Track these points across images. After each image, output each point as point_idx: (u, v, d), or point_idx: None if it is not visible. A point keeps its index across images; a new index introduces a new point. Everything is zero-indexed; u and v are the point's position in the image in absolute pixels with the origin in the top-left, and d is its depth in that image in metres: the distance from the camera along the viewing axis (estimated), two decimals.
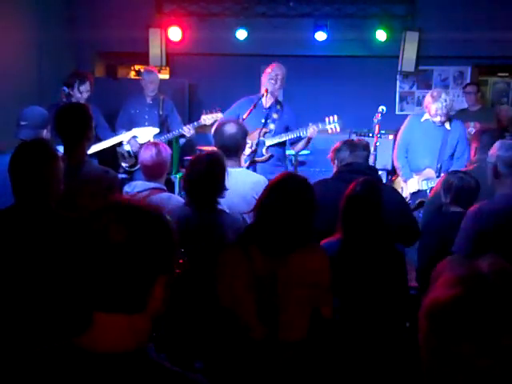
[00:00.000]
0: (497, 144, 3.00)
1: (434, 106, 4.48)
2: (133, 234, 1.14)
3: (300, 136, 4.67)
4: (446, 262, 1.08)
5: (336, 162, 3.46)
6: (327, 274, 2.38)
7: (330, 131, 4.69)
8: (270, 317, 2.28)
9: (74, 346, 1.14)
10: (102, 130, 5.22)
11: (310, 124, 4.58)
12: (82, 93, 4.92)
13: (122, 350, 1.13)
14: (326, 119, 4.66)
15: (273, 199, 2.38)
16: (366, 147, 3.49)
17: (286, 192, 2.36)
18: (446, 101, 4.45)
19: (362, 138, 6.14)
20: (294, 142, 4.81)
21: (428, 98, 4.55)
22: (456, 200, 3.28)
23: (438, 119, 4.55)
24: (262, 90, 4.74)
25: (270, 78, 4.75)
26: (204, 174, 2.82)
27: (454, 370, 0.94)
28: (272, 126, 4.70)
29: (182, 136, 5.52)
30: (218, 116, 5.17)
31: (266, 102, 4.74)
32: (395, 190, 3.80)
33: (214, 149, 3.53)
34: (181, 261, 1.27)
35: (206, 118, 5.19)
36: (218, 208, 2.89)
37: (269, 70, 4.80)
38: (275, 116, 4.72)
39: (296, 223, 2.33)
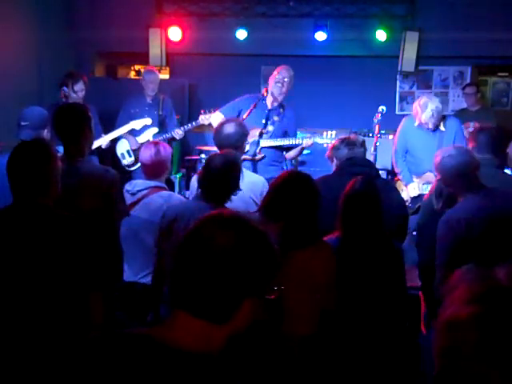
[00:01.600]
0: (442, 161, 2.96)
1: (422, 116, 4.48)
2: (238, 246, 1.16)
3: (295, 144, 4.65)
4: (460, 273, 1.06)
5: (335, 160, 3.48)
6: (332, 272, 2.40)
7: (324, 145, 4.64)
8: (276, 313, 2.29)
9: (150, 337, 1.15)
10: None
11: (308, 135, 4.61)
12: (76, 92, 4.92)
13: (194, 351, 1.13)
14: (324, 133, 4.69)
15: (278, 198, 2.40)
16: (363, 144, 3.55)
17: (291, 190, 2.38)
18: (432, 109, 4.43)
19: (362, 137, 6.18)
20: (288, 149, 4.78)
21: (416, 107, 4.54)
22: (448, 205, 3.26)
23: (430, 126, 4.54)
24: (269, 94, 4.73)
25: (277, 82, 4.71)
26: (224, 170, 2.90)
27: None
28: (271, 128, 4.68)
29: (173, 139, 5.53)
30: None
31: (270, 103, 4.73)
32: (392, 185, 3.83)
33: (214, 149, 3.55)
34: (276, 289, 1.28)
35: (204, 118, 5.22)
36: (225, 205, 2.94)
37: (275, 72, 4.76)
38: (276, 118, 4.70)
39: (301, 221, 2.35)
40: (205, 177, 2.96)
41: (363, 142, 3.59)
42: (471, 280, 0.99)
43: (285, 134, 4.71)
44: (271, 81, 4.75)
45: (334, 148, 3.50)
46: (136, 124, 5.39)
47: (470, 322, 0.93)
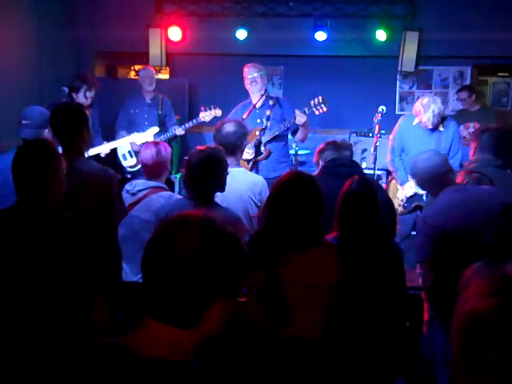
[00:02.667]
0: (415, 165, 3.05)
1: (424, 116, 4.47)
2: (205, 248, 1.12)
3: (293, 125, 4.62)
4: (472, 269, 1.06)
5: (320, 162, 3.53)
6: (336, 273, 2.40)
7: (317, 113, 4.63)
8: (281, 315, 2.29)
9: (119, 346, 1.13)
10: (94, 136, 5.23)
11: (296, 111, 4.53)
12: (87, 98, 4.93)
13: (164, 358, 1.11)
14: (311, 102, 4.62)
15: (280, 199, 2.40)
16: (349, 147, 3.59)
17: (293, 191, 2.37)
18: (434, 111, 4.43)
19: (363, 137, 6.18)
20: (294, 133, 4.77)
21: (418, 107, 4.52)
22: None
23: (429, 126, 4.54)
24: (251, 95, 4.75)
25: (251, 82, 4.74)
26: (202, 167, 2.82)
27: (497, 380, 0.92)
28: (268, 124, 4.69)
29: (175, 137, 5.56)
30: (217, 113, 5.20)
31: (257, 102, 4.74)
32: (377, 183, 3.86)
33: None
34: (246, 292, 1.24)
35: (205, 115, 5.23)
36: (214, 202, 2.89)
37: (244, 72, 4.79)
38: (268, 113, 4.71)
39: (304, 222, 2.35)
40: (186, 176, 2.88)
41: (350, 145, 3.63)
42: (483, 276, 1.00)
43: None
44: (246, 83, 4.77)
45: (320, 151, 3.56)
46: (137, 138, 5.34)
47: (492, 315, 0.94)
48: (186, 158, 5.44)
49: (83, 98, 4.89)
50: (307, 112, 4.56)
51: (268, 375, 2.33)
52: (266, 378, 2.33)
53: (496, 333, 0.92)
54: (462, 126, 5.79)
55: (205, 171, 2.81)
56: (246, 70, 4.79)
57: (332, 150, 3.51)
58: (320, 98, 4.62)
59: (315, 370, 2.35)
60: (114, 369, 1.10)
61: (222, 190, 2.91)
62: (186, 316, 1.13)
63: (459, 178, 3.37)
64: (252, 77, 4.73)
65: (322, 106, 4.61)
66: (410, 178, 4.73)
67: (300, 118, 4.50)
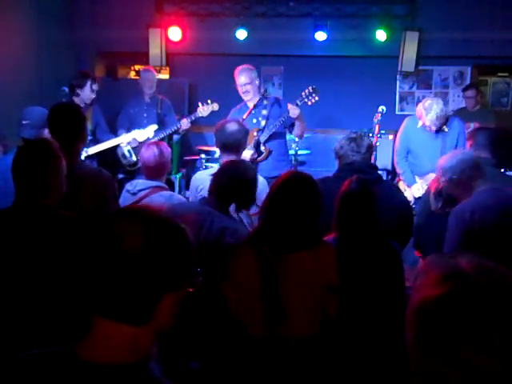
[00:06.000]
0: (448, 160, 3.03)
1: (427, 118, 4.45)
2: (150, 243, 1.10)
3: (288, 120, 4.59)
4: (427, 260, 1.09)
5: (337, 161, 3.44)
6: (334, 274, 2.40)
7: (309, 103, 4.62)
8: (276, 315, 2.30)
9: (71, 354, 1.10)
10: (100, 131, 5.25)
11: (289, 105, 4.51)
12: (93, 91, 4.97)
13: (120, 361, 1.08)
14: (303, 93, 4.61)
15: (278, 198, 2.39)
16: (369, 148, 3.40)
17: (291, 191, 2.37)
18: (437, 112, 4.41)
19: (370, 140, 6.17)
20: (291, 129, 4.75)
21: (421, 110, 4.50)
22: (448, 203, 3.26)
23: (433, 128, 4.53)
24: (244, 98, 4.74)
25: (242, 92, 4.71)
26: (238, 181, 2.84)
27: (447, 367, 0.94)
28: (263, 123, 4.66)
29: (177, 132, 5.55)
30: (214, 107, 5.21)
31: (251, 103, 4.71)
32: (396, 188, 3.80)
33: (214, 148, 3.55)
34: (196, 280, 1.21)
35: (203, 110, 5.24)
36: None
37: (236, 79, 4.75)
38: (264, 112, 4.68)
39: (302, 222, 2.35)
40: (218, 184, 2.86)
41: (370, 146, 3.40)
42: (435, 266, 1.02)
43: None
44: (239, 89, 4.75)
45: (339, 145, 3.41)
46: (138, 135, 5.34)
47: (439, 302, 0.95)
48: (186, 158, 5.39)
49: (89, 91, 4.93)
50: (299, 103, 4.54)
51: (265, 373, 2.33)
52: (263, 377, 2.33)
53: (444, 319, 0.94)
54: None
55: (241, 186, 2.89)
56: (236, 77, 4.74)
57: (351, 150, 3.32)
58: (310, 88, 4.61)
59: (312, 369, 2.35)
60: (65, 380, 1.06)
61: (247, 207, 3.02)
62: (138, 312, 1.10)
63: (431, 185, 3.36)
64: (240, 83, 4.69)
65: (314, 95, 4.60)
66: (417, 179, 4.73)
67: (293, 111, 4.47)
